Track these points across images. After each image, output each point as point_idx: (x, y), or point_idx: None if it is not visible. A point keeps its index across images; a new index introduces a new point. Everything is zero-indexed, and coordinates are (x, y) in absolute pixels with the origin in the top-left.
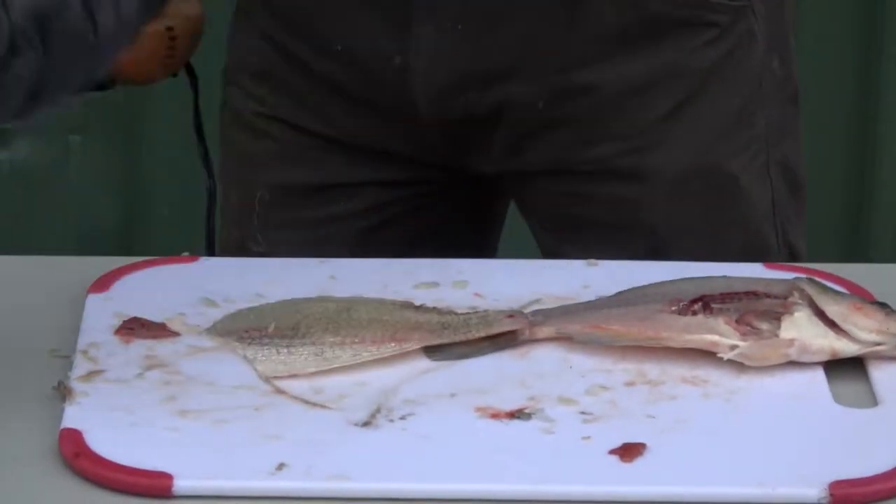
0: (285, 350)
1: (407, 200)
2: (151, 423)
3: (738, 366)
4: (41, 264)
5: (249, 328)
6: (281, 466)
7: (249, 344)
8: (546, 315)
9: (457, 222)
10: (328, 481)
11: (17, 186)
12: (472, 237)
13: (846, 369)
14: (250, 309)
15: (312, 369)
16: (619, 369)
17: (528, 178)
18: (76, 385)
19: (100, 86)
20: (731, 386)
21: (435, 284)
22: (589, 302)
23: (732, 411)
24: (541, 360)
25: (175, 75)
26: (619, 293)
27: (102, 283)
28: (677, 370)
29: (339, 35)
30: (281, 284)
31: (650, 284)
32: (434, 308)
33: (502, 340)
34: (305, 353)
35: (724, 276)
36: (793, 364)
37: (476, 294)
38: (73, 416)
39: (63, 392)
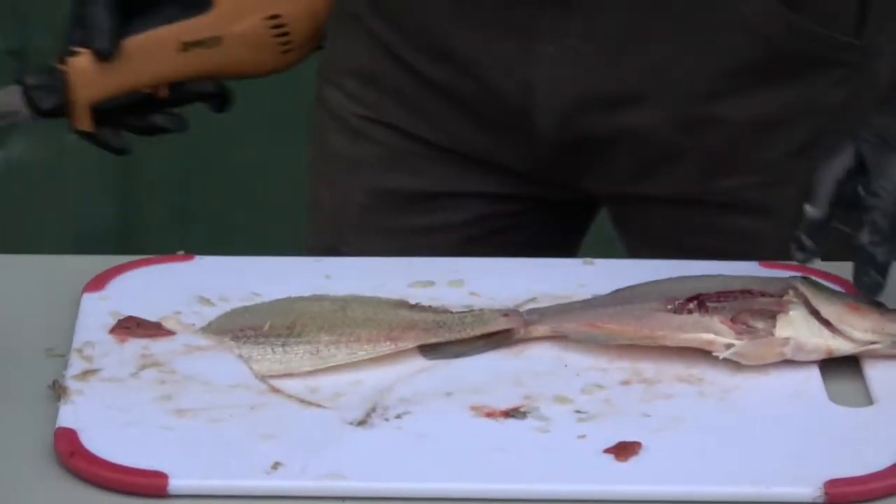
0: (280, 349)
1: (510, 214)
2: (147, 423)
3: (733, 365)
4: (37, 263)
5: (245, 327)
6: (276, 465)
7: (245, 343)
8: (541, 314)
9: (553, 234)
10: (324, 480)
11: (14, 185)
12: (564, 246)
13: (841, 368)
14: (245, 308)
15: (308, 368)
16: (615, 368)
17: (643, 202)
18: (71, 384)
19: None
20: (726, 385)
21: (430, 283)
22: (585, 300)
23: (728, 410)
24: (536, 358)
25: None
26: (616, 291)
27: (98, 282)
28: (673, 369)
29: (458, 44)
30: (277, 283)
31: (646, 283)
32: (429, 307)
33: (497, 339)
34: (301, 351)
35: (721, 275)
36: (788, 363)
37: (472, 293)
38: (68, 416)
39: (58, 391)
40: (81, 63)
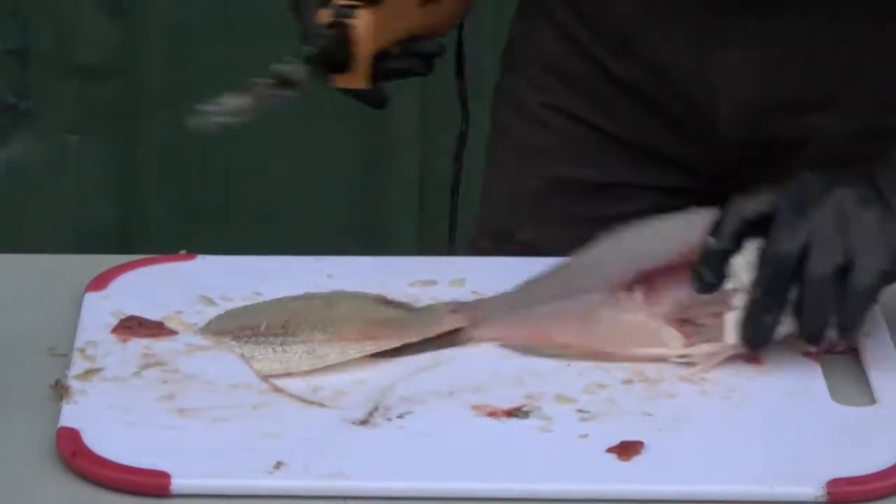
0: (280, 348)
1: (682, 208)
2: (149, 422)
3: (735, 364)
4: (39, 263)
5: (244, 326)
6: (279, 465)
7: (245, 342)
8: (486, 312)
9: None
10: (326, 480)
11: (15, 185)
12: None
13: (844, 367)
14: (243, 307)
15: (306, 367)
16: (617, 367)
17: None
18: (74, 384)
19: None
20: (729, 384)
21: (432, 282)
22: (529, 287)
23: (730, 409)
24: (538, 358)
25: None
26: (558, 269)
27: (100, 282)
28: (675, 368)
29: (646, 45)
30: (278, 282)
31: (588, 255)
32: (402, 303)
33: (447, 340)
34: (299, 351)
35: (659, 228)
36: (790, 362)
37: (473, 292)
38: (70, 415)
39: (60, 391)
40: (365, 16)
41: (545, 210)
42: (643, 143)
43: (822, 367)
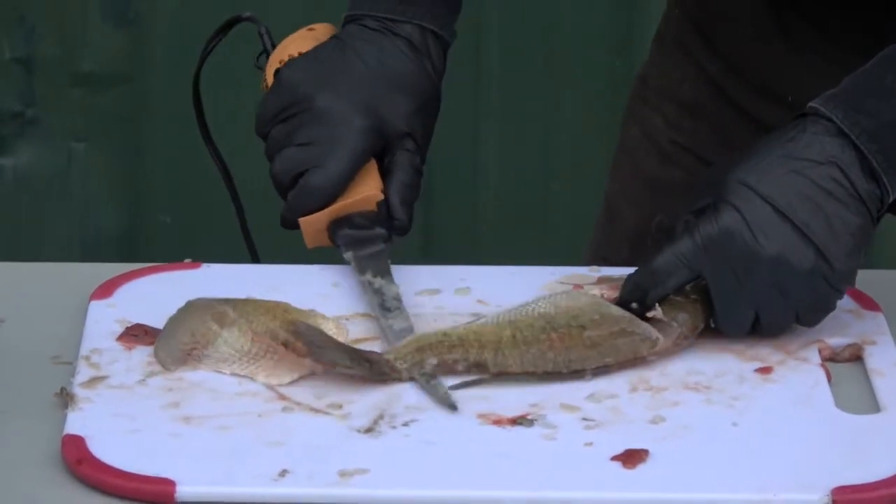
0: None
1: None
2: (154, 430)
3: (740, 372)
4: (44, 271)
5: (187, 349)
6: (284, 473)
7: (205, 361)
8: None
9: None
10: (331, 488)
11: (21, 193)
12: None
13: (849, 375)
14: (166, 328)
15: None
16: (621, 375)
17: None
18: (79, 391)
19: None
20: (733, 392)
21: (437, 291)
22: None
23: (735, 417)
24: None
25: None
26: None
27: (105, 290)
28: (679, 376)
29: (788, 86)
30: (283, 291)
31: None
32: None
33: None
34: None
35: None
36: (795, 369)
37: (479, 300)
38: (75, 423)
39: (66, 398)
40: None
41: (631, 241)
42: None
43: (827, 374)
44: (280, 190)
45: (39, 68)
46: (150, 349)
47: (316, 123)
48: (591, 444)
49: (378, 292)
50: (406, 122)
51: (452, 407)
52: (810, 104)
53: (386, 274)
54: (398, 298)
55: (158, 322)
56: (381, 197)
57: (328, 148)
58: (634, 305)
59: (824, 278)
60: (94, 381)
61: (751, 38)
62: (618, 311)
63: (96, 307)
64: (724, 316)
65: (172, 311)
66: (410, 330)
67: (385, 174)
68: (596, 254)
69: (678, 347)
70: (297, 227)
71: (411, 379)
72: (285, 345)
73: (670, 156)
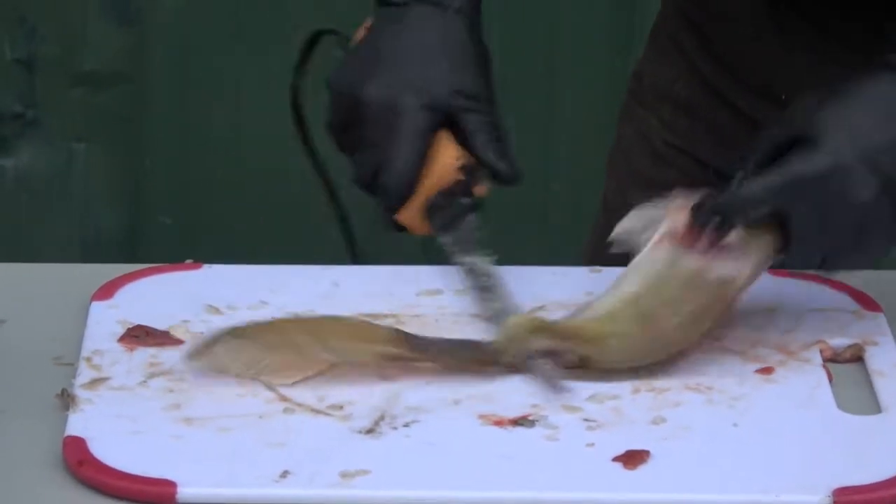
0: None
1: None
2: (155, 431)
3: (741, 373)
4: (45, 272)
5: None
6: (285, 474)
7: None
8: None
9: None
10: (332, 489)
11: (22, 194)
12: None
13: (850, 376)
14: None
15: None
16: (623, 376)
17: None
18: (80, 393)
19: None
20: (734, 393)
21: (438, 292)
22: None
23: (736, 418)
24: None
25: None
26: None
27: (106, 291)
28: (681, 377)
29: (784, 85)
30: (284, 292)
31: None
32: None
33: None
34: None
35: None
36: (796, 370)
37: None
38: (76, 424)
39: (67, 400)
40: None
41: None
42: None
43: (829, 375)
44: (370, 195)
45: (40, 69)
46: (151, 350)
47: (370, 122)
48: (592, 444)
49: (471, 272)
50: (457, 83)
51: (565, 389)
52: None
53: (474, 249)
54: (490, 274)
55: (160, 323)
56: (458, 164)
57: (387, 142)
58: (716, 222)
59: (893, 234)
60: (95, 383)
61: (749, 38)
62: (690, 265)
63: (97, 308)
64: (798, 253)
65: (174, 311)
66: (507, 312)
67: (464, 142)
68: (594, 253)
69: (754, 278)
70: (402, 228)
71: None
72: (392, 358)
73: (664, 157)
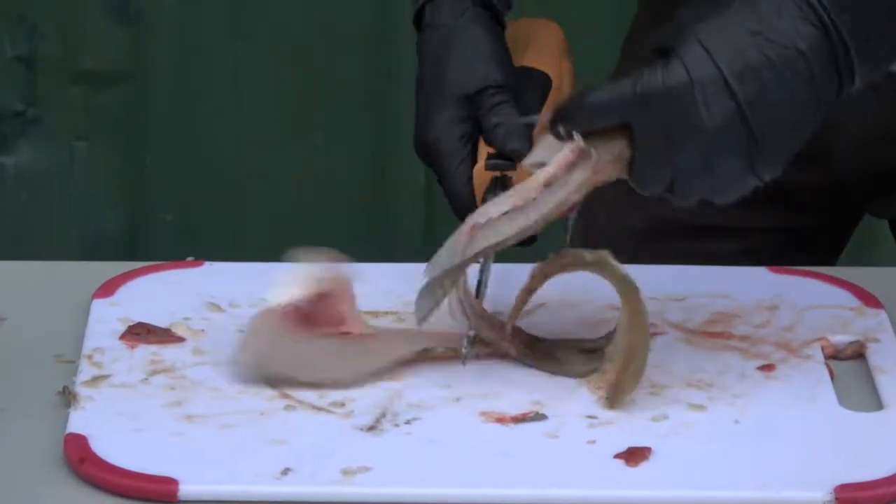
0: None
1: (777, 246)
2: (157, 428)
3: (742, 370)
4: (46, 270)
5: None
6: (286, 471)
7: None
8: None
9: (817, 254)
10: (333, 486)
11: (22, 192)
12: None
13: (851, 373)
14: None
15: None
16: None
17: None
18: (81, 390)
19: None
20: (735, 389)
21: None
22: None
23: (737, 415)
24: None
25: None
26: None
27: (107, 289)
28: (682, 374)
29: None
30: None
31: None
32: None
33: None
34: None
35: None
36: (797, 367)
37: None
38: (78, 422)
39: (68, 397)
40: (522, 172)
41: (643, 246)
42: None
43: (830, 372)
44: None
45: (41, 67)
46: (152, 348)
47: (425, 147)
48: (593, 441)
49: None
50: (466, 84)
51: None
52: None
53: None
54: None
55: (161, 320)
56: (485, 163)
57: (439, 168)
58: (561, 130)
59: (751, 165)
60: (96, 380)
61: None
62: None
63: (98, 306)
64: (640, 172)
65: (175, 309)
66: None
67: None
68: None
69: (597, 176)
70: None
71: None
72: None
73: None
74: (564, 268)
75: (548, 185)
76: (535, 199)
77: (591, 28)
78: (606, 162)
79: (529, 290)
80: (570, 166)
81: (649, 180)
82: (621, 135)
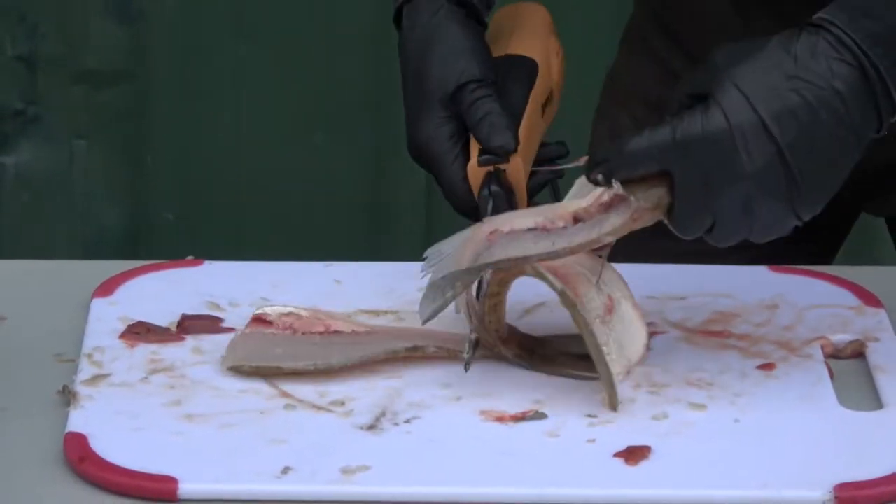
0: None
1: (774, 244)
2: (157, 427)
3: (742, 369)
4: (46, 269)
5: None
6: (286, 470)
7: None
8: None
9: (814, 251)
10: (333, 485)
11: (23, 191)
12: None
13: (851, 372)
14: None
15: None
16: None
17: None
18: (81, 389)
19: None
20: (735, 388)
21: None
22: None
23: (737, 414)
24: None
25: None
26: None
27: (107, 288)
28: (682, 373)
29: None
30: (286, 288)
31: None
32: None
33: None
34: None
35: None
36: (797, 366)
37: None
38: (78, 420)
39: (68, 396)
40: (516, 163)
41: (642, 245)
42: None
43: (830, 371)
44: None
45: (41, 66)
46: (152, 347)
47: (417, 150)
48: (593, 440)
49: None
50: (449, 81)
51: None
52: (818, 16)
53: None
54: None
55: (161, 319)
56: (477, 159)
57: (433, 169)
58: (600, 178)
59: (792, 206)
60: (96, 379)
61: (717, 36)
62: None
63: (98, 305)
64: (681, 217)
65: (175, 308)
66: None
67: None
68: None
69: (635, 223)
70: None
71: None
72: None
73: None
74: (517, 274)
75: (577, 219)
76: (563, 227)
77: (589, 24)
78: (645, 209)
79: (493, 295)
80: (607, 207)
81: (689, 226)
82: (661, 182)
